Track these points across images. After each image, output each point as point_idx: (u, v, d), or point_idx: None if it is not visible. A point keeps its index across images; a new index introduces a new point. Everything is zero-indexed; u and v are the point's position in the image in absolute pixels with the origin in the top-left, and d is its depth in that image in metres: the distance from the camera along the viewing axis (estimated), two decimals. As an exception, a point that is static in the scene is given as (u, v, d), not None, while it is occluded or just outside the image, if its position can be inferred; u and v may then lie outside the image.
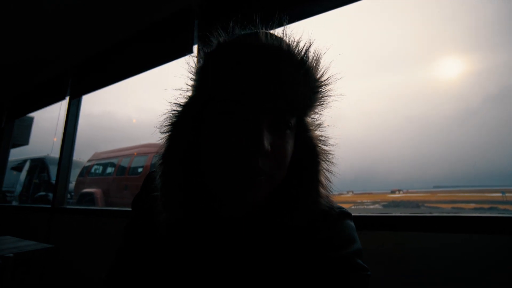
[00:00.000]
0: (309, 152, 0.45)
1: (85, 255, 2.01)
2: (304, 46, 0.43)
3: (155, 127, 0.46)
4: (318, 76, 0.44)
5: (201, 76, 0.44)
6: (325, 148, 0.46)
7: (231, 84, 0.40)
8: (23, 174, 7.10)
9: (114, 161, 5.87)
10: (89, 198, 5.61)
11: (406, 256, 0.98)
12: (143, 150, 5.43)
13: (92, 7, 1.98)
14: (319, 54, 0.43)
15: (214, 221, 0.45)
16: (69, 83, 2.67)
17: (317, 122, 0.47)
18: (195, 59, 0.46)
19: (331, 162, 0.45)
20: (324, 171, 0.45)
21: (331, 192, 0.46)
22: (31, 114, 3.84)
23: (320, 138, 0.46)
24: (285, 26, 0.44)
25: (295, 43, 0.43)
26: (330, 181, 0.45)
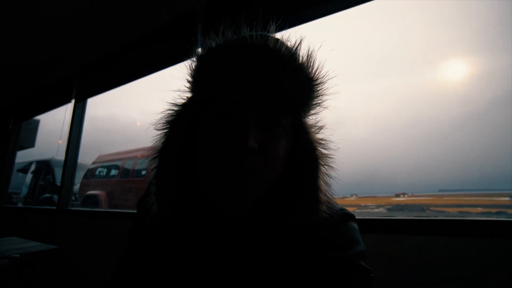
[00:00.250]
0: (307, 155, 0.44)
1: (89, 256, 2.02)
2: (294, 44, 0.43)
3: (151, 124, 0.47)
4: (311, 75, 0.43)
5: (195, 78, 0.46)
6: (325, 151, 0.45)
7: (217, 84, 0.41)
8: (28, 176, 7.20)
9: (118, 163, 5.92)
10: (93, 200, 5.65)
11: (410, 260, 0.97)
12: (146, 153, 5.45)
13: (97, 12, 2.02)
14: (311, 51, 0.43)
15: (212, 222, 0.45)
16: (74, 86, 2.71)
17: (318, 125, 0.47)
18: (192, 62, 0.47)
19: (330, 166, 0.45)
20: (323, 174, 0.44)
21: (331, 195, 0.45)
22: (37, 117, 3.89)
23: (320, 141, 0.45)
24: (286, 30, 0.45)
25: (285, 41, 0.43)
26: (328, 185, 0.44)
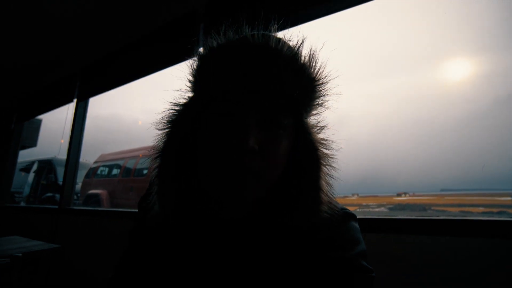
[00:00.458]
0: (309, 155, 0.44)
1: (91, 255, 2.03)
2: (297, 44, 0.43)
3: (152, 124, 0.47)
4: (313, 75, 0.43)
5: (196, 78, 0.46)
6: (327, 151, 0.45)
7: (219, 84, 0.41)
8: (31, 176, 7.23)
9: (120, 162, 5.93)
10: (95, 199, 5.67)
11: (412, 259, 0.97)
12: (148, 152, 5.46)
13: (98, 12, 2.02)
14: (313, 52, 0.43)
15: (214, 221, 0.45)
16: (76, 86, 2.72)
17: (320, 125, 0.46)
18: (193, 61, 0.47)
19: (332, 166, 0.44)
20: (325, 174, 0.44)
21: (333, 195, 0.45)
22: (40, 117, 3.91)
23: (322, 141, 0.45)
24: (288, 29, 0.44)
25: (287, 41, 0.43)
26: (330, 185, 0.44)
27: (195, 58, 0.46)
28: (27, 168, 7.44)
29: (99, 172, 6.31)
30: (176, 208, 0.44)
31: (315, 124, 0.46)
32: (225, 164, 0.39)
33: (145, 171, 5.30)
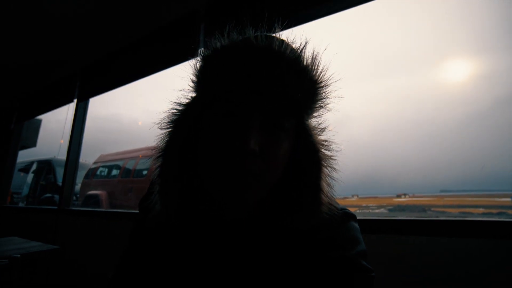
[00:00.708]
0: (310, 157, 0.44)
1: (90, 256, 2.03)
2: (299, 46, 0.43)
3: (155, 123, 0.47)
4: (315, 77, 0.43)
5: (199, 78, 0.46)
6: (328, 153, 0.45)
7: (222, 85, 0.41)
8: (30, 176, 7.21)
9: (120, 163, 5.92)
10: (95, 200, 5.66)
11: (412, 260, 0.97)
12: (148, 153, 5.47)
13: (99, 12, 2.02)
14: (316, 54, 0.43)
15: (215, 222, 0.45)
16: (76, 86, 2.72)
17: (321, 126, 0.46)
18: (196, 62, 0.47)
19: (333, 168, 0.45)
20: (325, 175, 0.44)
21: (333, 196, 0.45)
22: (39, 117, 3.91)
23: (323, 143, 0.45)
24: (289, 30, 0.45)
25: (290, 43, 0.43)
26: (331, 187, 0.44)
27: (198, 59, 0.46)
28: (26, 169, 7.42)
29: (98, 172, 6.30)
30: (178, 208, 0.44)
31: (316, 126, 0.46)
32: (226, 165, 0.39)
33: (144, 172, 5.29)
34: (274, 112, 0.41)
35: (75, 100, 2.69)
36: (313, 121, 0.47)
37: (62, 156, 2.73)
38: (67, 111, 2.77)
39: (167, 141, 0.46)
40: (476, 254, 0.89)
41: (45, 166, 6.86)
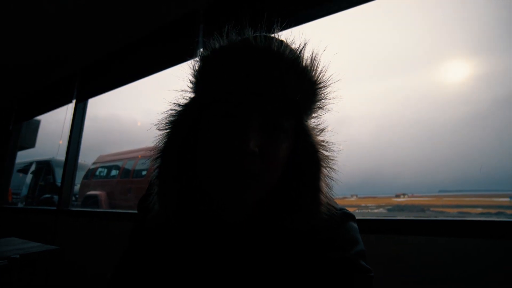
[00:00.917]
0: (309, 157, 0.44)
1: (90, 256, 2.02)
2: (299, 47, 0.43)
3: (153, 124, 0.47)
4: (315, 78, 0.43)
5: (198, 79, 0.46)
6: (327, 153, 0.45)
7: (221, 86, 0.41)
8: (29, 177, 7.19)
9: (119, 163, 5.92)
10: (94, 201, 5.65)
11: (410, 260, 0.97)
12: (147, 153, 5.45)
13: (98, 12, 2.02)
14: (315, 55, 0.43)
15: (214, 223, 0.45)
16: (75, 87, 2.71)
17: (320, 127, 0.47)
18: (195, 62, 0.47)
19: (332, 168, 0.45)
20: (325, 176, 0.44)
21: (333, 196, 0.45)
22: (38, 117, 3.90)
23: (322, 143, 0.45)
24: (288, 30, 0.45)
25: (289, 44, 0.43)
26: (330, 187, 0.45)
27: (197, 59, 0.46)
28: (25, 169, 7.40)
29: (97, 173, 6.29)
30: (177, 209, 0.44)
31: (315, 126, 0.46)
32: (225, 166, 0.39)
33: (143, 172, 5.29)
34: (273, 113, 0.41)
35: (74, 101, 2.69)
36: (312, 122, 0.47)
37: (61, 156, 2.72)
38: (66, 112, 2.77)
39: (166, 142, 0.46)
40: (475, 254, 0.89)
41: (44, 166, 6.84)
